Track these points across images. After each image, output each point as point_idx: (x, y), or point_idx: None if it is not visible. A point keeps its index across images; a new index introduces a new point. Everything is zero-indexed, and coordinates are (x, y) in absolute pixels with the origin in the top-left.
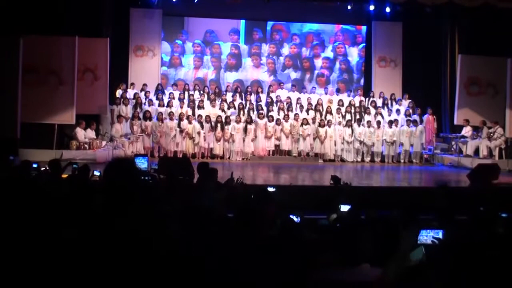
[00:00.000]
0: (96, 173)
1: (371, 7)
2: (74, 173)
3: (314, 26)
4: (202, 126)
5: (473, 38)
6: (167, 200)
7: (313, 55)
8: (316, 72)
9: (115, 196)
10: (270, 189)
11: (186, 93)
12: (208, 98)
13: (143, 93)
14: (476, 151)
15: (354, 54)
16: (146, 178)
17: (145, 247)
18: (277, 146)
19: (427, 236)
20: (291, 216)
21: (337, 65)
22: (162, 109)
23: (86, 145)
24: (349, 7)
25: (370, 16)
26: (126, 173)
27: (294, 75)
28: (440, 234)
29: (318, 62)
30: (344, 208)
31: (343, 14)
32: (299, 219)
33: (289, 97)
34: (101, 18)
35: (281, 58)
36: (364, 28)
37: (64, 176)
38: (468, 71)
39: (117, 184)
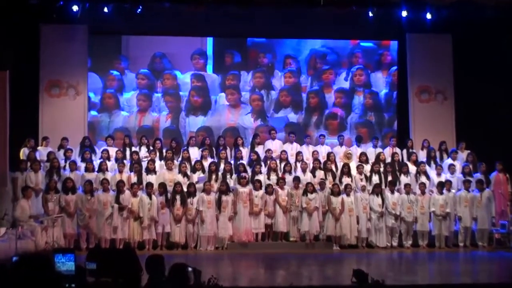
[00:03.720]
0: None
1: (404, 13)
2: None
3: (317, 43)
4: (152, 200)
5: None
6: None
7: (321, 86)
8: (326, 112)
9: None
10: None
11: (128, 150)
12: (162, 157)
13: (61, 152)
14: None
15: (379, 83)
16: (72, 285)
17: None
18: (268, 226)
19: None
20: None
21: (357, 100)
22: (91, 176)
23: None
24: (370, 14)
25: (402, 27)
26: (39, 279)
27: (293, 117)
28: None
29: (330, 97)
30: None
31: (362, 24)
32: None
33: (284, 151)
34: None
35: (273, 93)
36: (394, 44)
37: None
38: None
39: None
